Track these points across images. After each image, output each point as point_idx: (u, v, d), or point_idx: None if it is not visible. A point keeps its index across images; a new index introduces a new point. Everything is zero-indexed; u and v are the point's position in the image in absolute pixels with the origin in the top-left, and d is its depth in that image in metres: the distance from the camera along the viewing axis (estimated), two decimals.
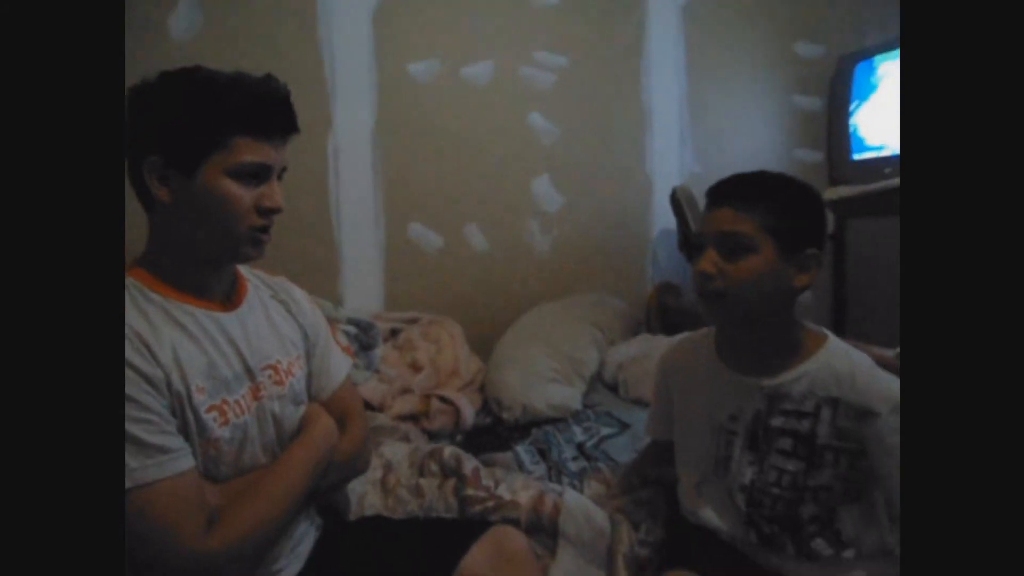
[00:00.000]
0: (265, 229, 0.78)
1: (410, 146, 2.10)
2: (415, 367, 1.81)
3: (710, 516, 0.92)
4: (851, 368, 0.83)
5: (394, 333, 1.95)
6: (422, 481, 1.19)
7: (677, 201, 2.05)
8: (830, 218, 2.37)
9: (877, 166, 2.13)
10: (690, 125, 2.33)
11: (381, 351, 1.82)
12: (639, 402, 1.70)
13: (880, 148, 2.16)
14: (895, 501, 0.80)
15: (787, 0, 2.33)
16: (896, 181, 2.00)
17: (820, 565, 0.83)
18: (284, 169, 0.81)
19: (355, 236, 2.07)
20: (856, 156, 2.25)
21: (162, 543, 0.67)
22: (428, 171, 2.12)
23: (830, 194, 2.33)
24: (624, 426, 1.57)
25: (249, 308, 0.85)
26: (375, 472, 1.21)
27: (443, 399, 1.65)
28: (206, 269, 0.80)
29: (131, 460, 0.66)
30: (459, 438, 1.61)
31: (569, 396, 1.71)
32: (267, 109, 0.76)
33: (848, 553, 0.82)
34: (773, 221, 0.80)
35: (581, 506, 1.06)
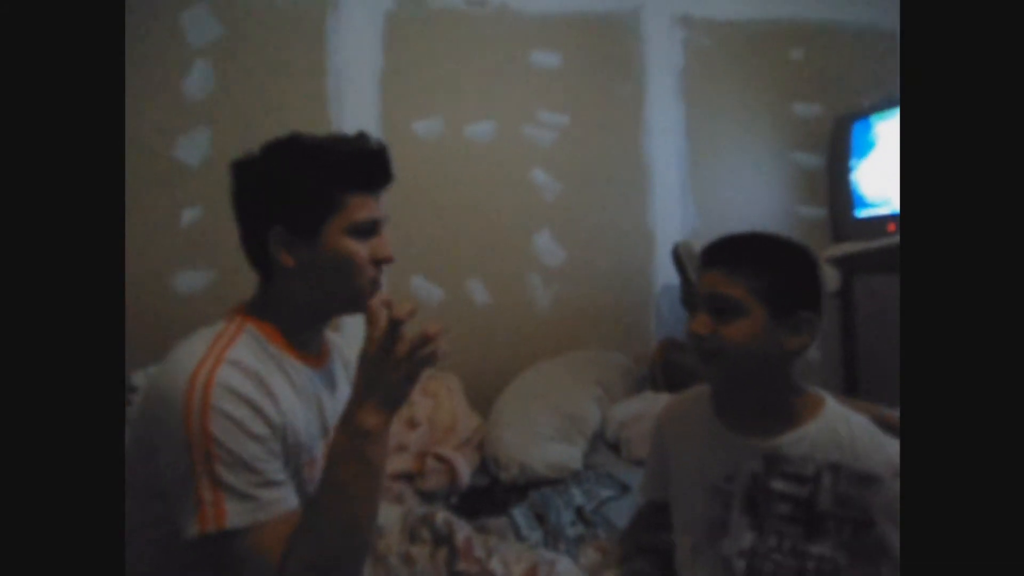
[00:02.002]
0: (378, 278, 0.83)
1: (414, 201, 2.12)
2: (411, 424, 1.77)
3: None
4: (850, 432, 0.81)
5: None
6: (413, 549, 1.15)
7: (679, 257, 2.05)
8: (835, 275, 2.35)
9: (880, 222, 2.13)
10: (691, 182, 2.35)
11: None
12: (640, 463, 1.64)
13: (881, 204, 2.17)
14: None
15: (781, 63, 2.39)
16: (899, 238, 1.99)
17: None
18: (386, 221, 0.84)
19: None
20: (859, 213, 2.25)
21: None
22: (431, 226, 2.14)
23: (834, 251, 2.32)
24: (624, 488, 1.51)
25: (330, 367, 0.88)
26: None
27: (438, 457, 1.61)
28: (318, 325, 0.84)
29: (266, 493, 0.70)
30: (454, 499, 1.55)
31: (569, 455, 1.66)
32: (370, 163, 0.80)
33: None
34: (763, 285, 0.79)
35: None
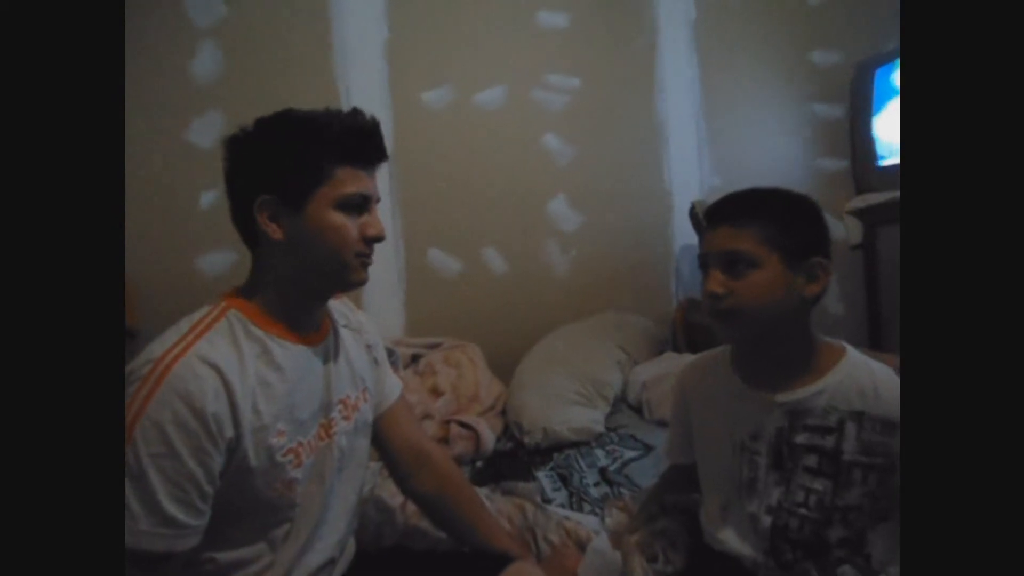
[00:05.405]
0: (368, 256, 0.80)
1: (426, 173, 2.12)
2: (436, 392, 1.80)
3: (733, 541, 0.88)
4: (873, 380, 0.81)
5: (415, 359, 1.95)
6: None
7: (696, 216, 2.02)
8: (857, 227, 2.30)
9: None
10: (707, 139, 2.30)
11: (402, 377, 1.83)
12: (663, 423, 1.65)
13: None
14: None
15: (799, 9, 2.30)
16: None
17: None
18: (378, 200, 0.82)
19: (374, 263, 2.08)
20: (881, 163, 2.18)
21: None
22: (445, 197, 2.14)
23: (857, 202, 2.27)
24: (648, 448, 1.53)
25: (330, 340, 0.86)
26: (395, 499, 1.19)
27: (463, 424, 1.64)
28: (310, 302, 0.81)
29: (140, 522, 0.64)
30: (479, 464, 1.59)
31: (591, 419, 1.68)
32: (361, 139, 0.78)
33: None
34: (772, 233, 0.79)
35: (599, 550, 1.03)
